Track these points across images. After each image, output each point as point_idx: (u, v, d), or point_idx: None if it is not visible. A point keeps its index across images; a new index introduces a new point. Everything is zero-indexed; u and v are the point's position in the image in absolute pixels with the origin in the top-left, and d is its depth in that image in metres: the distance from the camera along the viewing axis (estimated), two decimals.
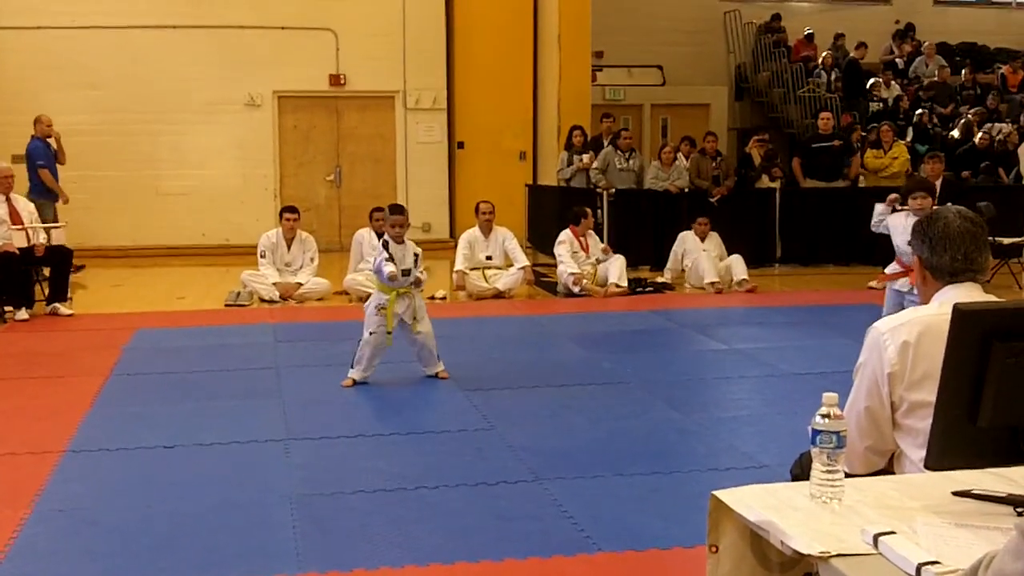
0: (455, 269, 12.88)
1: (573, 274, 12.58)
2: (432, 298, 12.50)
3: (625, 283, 12.72)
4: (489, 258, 12.92)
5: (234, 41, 17.80)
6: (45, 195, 14.52)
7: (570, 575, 4.54)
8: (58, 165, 14.45)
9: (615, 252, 13.06)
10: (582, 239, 12.97)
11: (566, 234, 12.97)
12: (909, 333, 3.22)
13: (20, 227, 11.32)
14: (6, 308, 11.10)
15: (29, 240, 11.32)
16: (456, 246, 13.38)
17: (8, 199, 11.39)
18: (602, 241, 13.47)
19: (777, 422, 6.95)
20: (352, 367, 8.13)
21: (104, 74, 17.32)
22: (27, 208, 11.56)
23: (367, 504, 5.37)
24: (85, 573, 4.57)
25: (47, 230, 11.69)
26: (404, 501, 5.41)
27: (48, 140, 14.54)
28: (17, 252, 11.09)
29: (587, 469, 5.92)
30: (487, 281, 12.70)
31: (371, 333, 8.05)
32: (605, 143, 15.90)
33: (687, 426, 6.97)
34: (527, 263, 13.04)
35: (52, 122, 14.59)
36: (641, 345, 9.94)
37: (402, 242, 8.17)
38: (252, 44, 17.83)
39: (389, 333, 8.07)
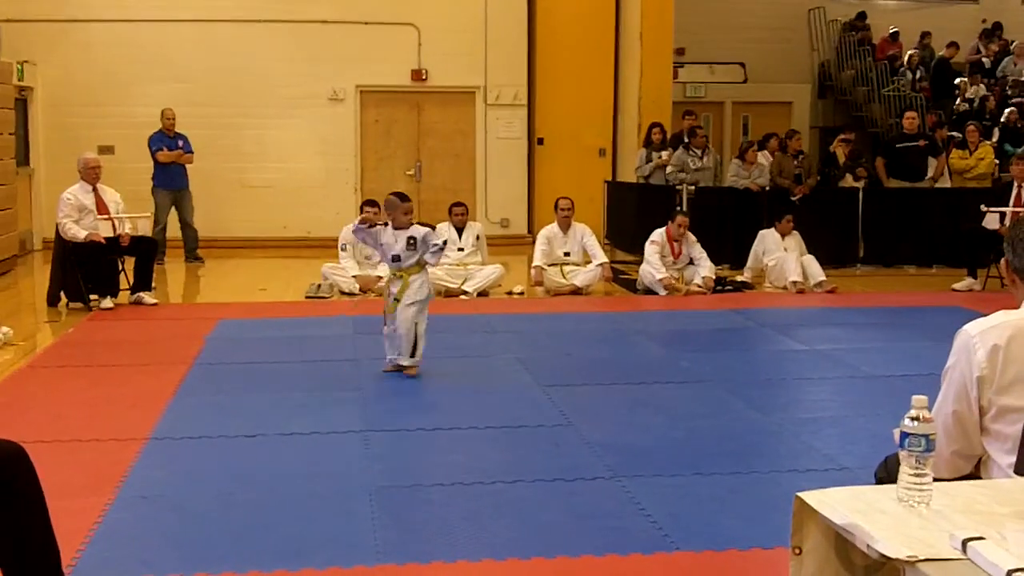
0: (533, 265, 12.88)
1: (662, 278, 12.45)
2: (510, 293, 12.53)
3: (709, 284, 12.60)
4: (567, 254, 12.91)
5: (317, 36, 17.95)
6: (169, 184, 14.99)
7: (648, 574, 4.53)
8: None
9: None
10: (675, 243, 12.82)
11: (659, 233, 12.81)
12: (999, 336, 3.17)
13: (106, 217, 11.49)
14: (92, 297, 11.28)
15: (115, 230, 11.48)
16: (534, 242, 13.38)
17: (95, 189, 11.55)
18: (698, 242, 13.01)
19: (858, 424, 6.88)
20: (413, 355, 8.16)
21: (190, 68, 17.55)
22: (113, 198, 11.71)
23: (445, 497, 5.39)
24: (167, 559, 4.62)
25: (132, 220, 11.85)
26: (481, 495, 5.42)
27: (167, 132, 15.51)
28: (103, 241, 11.26)
29: (665, 468, 5.90)
30: (565, 277, 12.68)
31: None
32: (686, 139, 15.82)
33: (767, 426, 6.93)
34: (606, 260, 13.00)
35: (174, 115, 15.67)
36: (721, 344, 9.88)
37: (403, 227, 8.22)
38: (335, 39, 17.97)
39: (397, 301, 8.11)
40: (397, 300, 8.09)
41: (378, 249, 8.47)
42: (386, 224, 8.32)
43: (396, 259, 8.15)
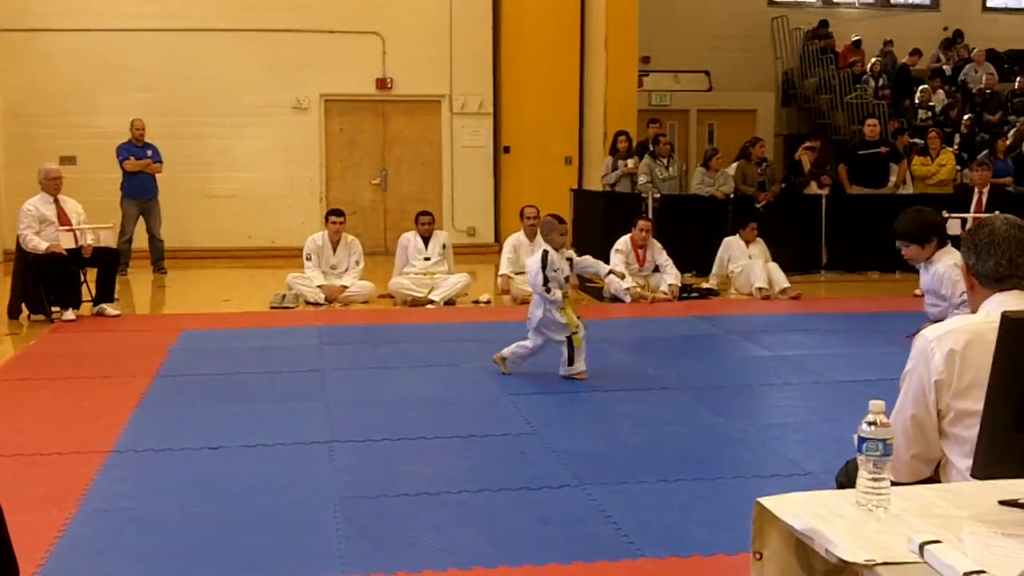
0: (500, 273, 12.87)
1: (628, 288, 12.47)
2: (476, 302, 12.52)
3: (675, 292, 12.63)
4: None
5: (282, 45, 17.90)
6: (137, 194, 14.92)
7: None
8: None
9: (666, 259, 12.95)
10: (640, 250, 12.84)
11: (624, 241, 12.85)
12: (956, 341, 3.21)
13: (68, 228, 11.41)
14: (53, 308, 11.20)
15: (77, 241, 11.41)
16: (501, 250, 13.38)
17: (56, 200, 11.47)
18: (664, 250, 13.09)
19: (822, 429, 6.91)
20: (571, 364, 8.34)
21: (154, 77, 17.48)
22: (75, 209, 11.63)
23: (410, 507, 5.38)
24: (130, 573, 4.60)
25: (95, 231, 11.77)
26: (447, 505, 5.42)
27: (136, 142, 15.42)
28: (65, 253, 11.19)
29: (631, 474, 5.91)
30: None
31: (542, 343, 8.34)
32: (651, 148, 15.86)
33: (732, 432, 6.95)
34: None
35: (143, 125, 15.54)
36: (686, 351, 9.91)
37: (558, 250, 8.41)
38: (300, 48, 17.93)
39: (575, 333, 8.29)
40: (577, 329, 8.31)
41: (548, 275, 8.30)
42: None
43: (567, 280, 8.32)
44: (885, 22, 22.75)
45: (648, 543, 4.84)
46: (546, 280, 8.17)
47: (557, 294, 8.16)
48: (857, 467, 2.69)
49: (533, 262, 8.38)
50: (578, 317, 8.35)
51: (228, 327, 10.96)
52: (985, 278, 3.37)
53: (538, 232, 12.74)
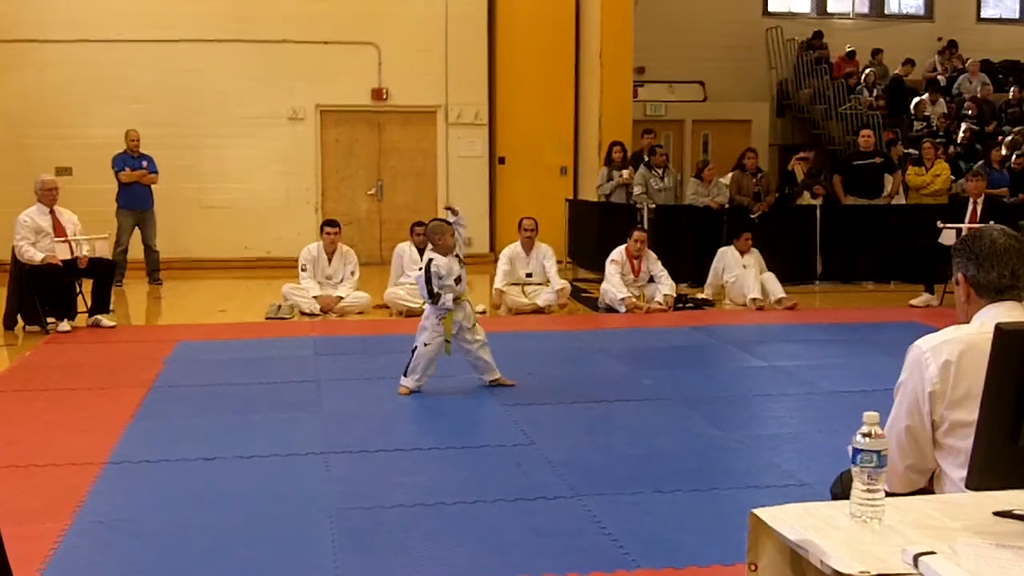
0: (494, 287, 12.84)
1: (624, 299, 12.45)
2: None
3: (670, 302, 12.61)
4: (529, 275, 12.88)
5: (277, 55, 17.91)
6: (132, 205, 14.93)
7: None
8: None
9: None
10: (635, 261, 12.81)
11: (619, 252, 12.81)
12: (950, 352, 3.21)
13: (63, 239, 11.41)
14: (49, 320, 11.18)
15: (72, 252, 11.40)
16: (496, 261, 13.37)
17: (52, 211, 11.47)
18: (659, 260, 12.99)
19: (817, 440, 6.91)
20: (405, 375, 8.23)
21: (148, 88, 17.47)
22: (71, 220, 11.63)
23: (406, 518, 5.37)
24: None
25: (90, 242, 11.76)
26: (443, 516, 5.41)
27: (131, 153, 15.40)
28: (60, 264, 11.18)
29: (626, 485, 5.90)
30: (527, 297, 12.67)
31: (426, 344, 8.14)
32: (645, 158, 15.88)
33: (727, 443, 6.95)
34: (562, 285, 12.81)
35: (138, 136, 15.53)
36: (682, 361, 9.90)
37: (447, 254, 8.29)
38: (295, 58, 17.94)
39: (448, 341, 8.22)
40: (468, 329, 8.33)
41: (436, 281, 8.18)
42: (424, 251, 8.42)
43: (458, 281, 8.24)
44: (879, 32, 22.78)
45: (643, 554, 4.84)
46: (432, 292, 8.13)
47: (448, 299, 8.12)
48: (851, 478, 2.70)
49: (419, 277, 8.34)
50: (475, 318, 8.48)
51: (223, 338, 10.95)
52: (985, 289, 3.36)
53: (534, 243, 12.83)
